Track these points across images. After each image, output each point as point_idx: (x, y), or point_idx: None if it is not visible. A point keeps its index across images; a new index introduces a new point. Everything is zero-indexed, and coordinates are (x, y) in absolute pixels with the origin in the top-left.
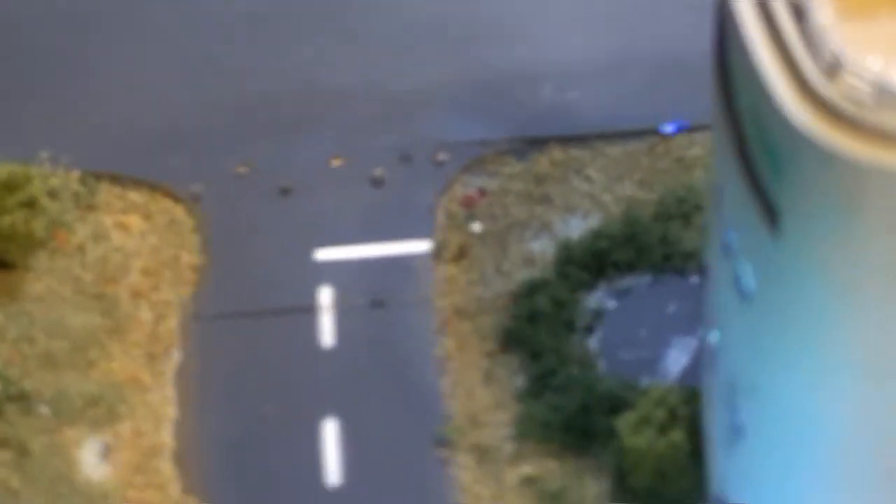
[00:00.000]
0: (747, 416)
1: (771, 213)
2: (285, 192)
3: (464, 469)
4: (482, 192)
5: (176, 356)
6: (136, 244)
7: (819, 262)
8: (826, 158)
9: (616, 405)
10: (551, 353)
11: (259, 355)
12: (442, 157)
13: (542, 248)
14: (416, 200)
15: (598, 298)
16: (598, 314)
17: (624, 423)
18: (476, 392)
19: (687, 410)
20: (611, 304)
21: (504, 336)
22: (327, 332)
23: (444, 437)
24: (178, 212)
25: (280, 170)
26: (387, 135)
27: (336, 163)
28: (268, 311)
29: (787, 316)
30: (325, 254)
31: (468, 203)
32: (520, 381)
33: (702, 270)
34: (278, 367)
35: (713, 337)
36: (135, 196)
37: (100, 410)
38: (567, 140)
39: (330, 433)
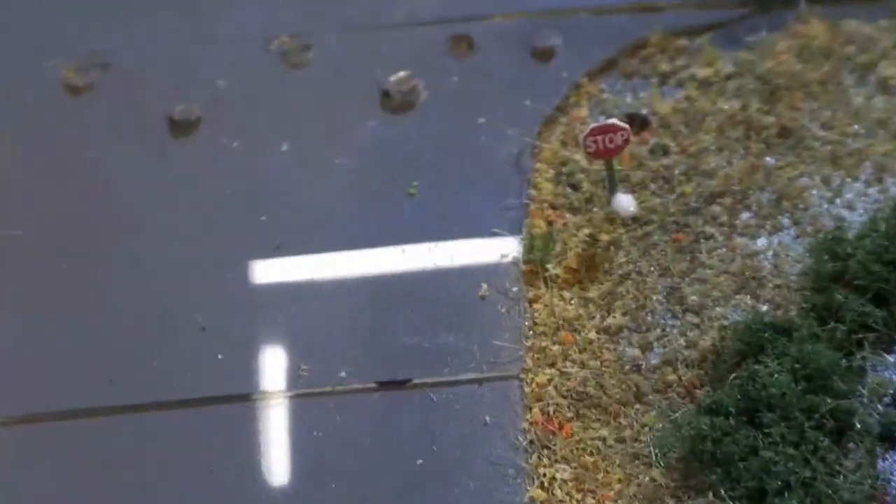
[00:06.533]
0: None
1: None
2: (184, 123)
3: None
4: (642, 123)
5: None
6: None
7: None
8: None
9: None
10: (796, 491)
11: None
12: (545, 41)
13: (779, 248)
14: (481, 141)
15: None
16: None
17: None
18: None
19: None
20: None
21: (686, 453)
22: (276, 451)
23: None
24: None
25: (165, 87)
26: None
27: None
28: (138, 407)
29: None
30: (271, 271)
31: (605, 149)
32: None
33: None
34: None
35: None
36: None
37: None
38: None
39: None
